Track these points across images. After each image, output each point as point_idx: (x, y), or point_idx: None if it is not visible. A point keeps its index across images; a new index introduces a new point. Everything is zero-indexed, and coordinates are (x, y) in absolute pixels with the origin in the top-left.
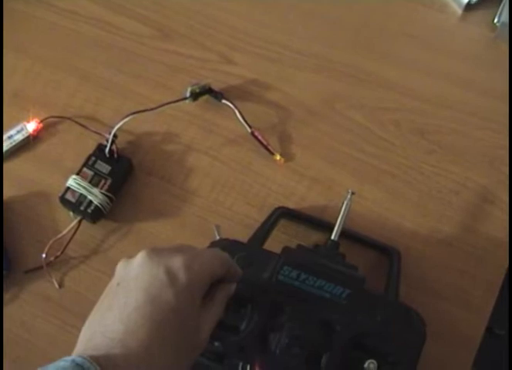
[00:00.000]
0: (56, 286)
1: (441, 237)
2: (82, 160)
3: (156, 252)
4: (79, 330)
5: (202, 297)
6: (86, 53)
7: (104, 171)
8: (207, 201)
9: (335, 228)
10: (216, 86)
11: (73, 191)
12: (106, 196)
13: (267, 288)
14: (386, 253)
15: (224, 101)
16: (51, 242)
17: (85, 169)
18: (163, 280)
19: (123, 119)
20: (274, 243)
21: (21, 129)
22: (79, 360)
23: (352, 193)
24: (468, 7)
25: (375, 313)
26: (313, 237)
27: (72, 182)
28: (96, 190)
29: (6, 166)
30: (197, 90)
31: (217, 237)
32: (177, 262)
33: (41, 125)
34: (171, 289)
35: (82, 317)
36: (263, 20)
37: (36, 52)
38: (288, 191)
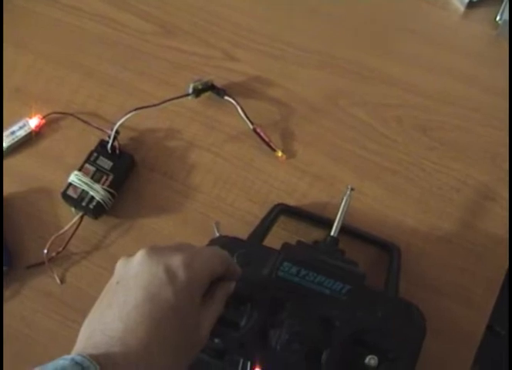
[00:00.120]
0: (58, 281)
1: (441, 234)
2: (84, 156)
3: (155, 250)
4: (81, 325)
5: (201, 295)
6: (90, 50)
7: (106, 167)
8: (209, 197)
9: (335, 224)
10: (218, 83)
11: (75, 187)
12: (108, 192)
13: (267, 284)
14: (386, 250)
15: (226, 97)
16: (53, 238)
17: (87, 165)
18: (163, 279)
19: (126, 115)
20: (275, 240)
21: (24, 125)
22: (78, 358)
23: (352, 189)
24: (470, 4)
25: (375, 309)
26: (314, 234)
27: (74, 178)
28: (97, 186)
29: (8, 161)
30: (200, 86)
31: (217, 234)
32: (177, 260)
33: (43, 121)
34: (171, 287)
35: (84, 313)
36: (266, 17)
37: (39, 47)
38: (290, 188)
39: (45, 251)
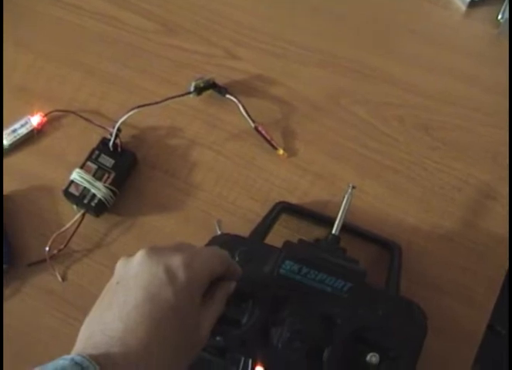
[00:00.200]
0: (59, 279)
1: (443, 233)
2: (85, 154)
3: (155, 251)
4: (82, 323)
5: (201, 295)
6: (91, 48)
7: (108, 165)
8: (210, 195)
9: (336, 222)
10: (220, 81)
11: (77, 184)
12: (110, 189)
13: (268, 282)
14: (387, 248)
15: (228, 96)
16: (54, 235)
17: (88, 163)
18: (163, 279)
19: (127, 112)
20: (276, 238)
21: (26, 123)
22: (78, 359)
23: (353, 187)
24: (472, 4)
25: (377, 307)
26: (315, 232)
27: (75, 175)
28: (99, 184)
29: (10, 159)
30: (201, 85)
31: (219, 232)
32: (177, 261)
33: (45, 119)
34: (170, 287)
35: (85, 311)
36: (268, 15)
37: (40, 46)
38: (292, 186)
39: (47, 249)
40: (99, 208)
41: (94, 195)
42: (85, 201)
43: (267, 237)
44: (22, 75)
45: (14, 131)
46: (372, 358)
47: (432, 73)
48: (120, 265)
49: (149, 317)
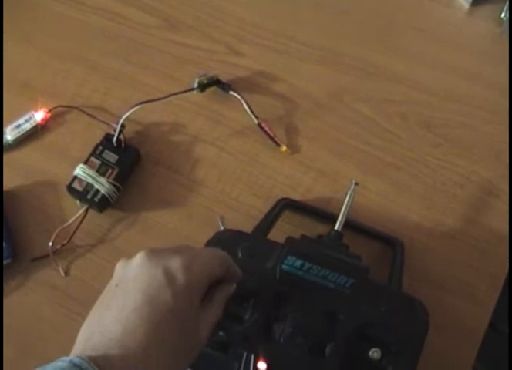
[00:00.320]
0: (62, 274)
1: (445, 230)
2: (89, 150)
3: (154, 253)
4: (85, 318)
5: (201, 297)
6: (94, 44)
7: (111, 160)
8: (213, 191)
9: (339, 218)
10: (223, 78)
11: (80, 180)
12: (113, 185)
13: (271, 278)
14: (390, 244)
15: (231, 92)
16: (57, 230)
17: (92, 159)
18: (162, 281)
19: (131, 108)
20: (279, 234)
21: (30, 119)
22: (76, 360)
23: (356, 184)
24: (475, 2)
25: (379, 303)
26: (318, 228)
27: (79, 171)
28: (103, 179)
29: (14, 155)
30: (205, 81)
31: (222, 228)
32: (176, 263)
33: (49, 114)
34: (169, 290)
35: (88, 306)
36: (271, 11)
37: (44, 42)
38: (294, 183)
39: (50, 244)
40: (102, 203)
41: (97, 190)
42: (89, 196)
43: (270, 234)
44: (26, 71)
45: (18, 126)
46: (374, 353)
47: (435, 71)
48: (119, 267)
49: (148, 320)
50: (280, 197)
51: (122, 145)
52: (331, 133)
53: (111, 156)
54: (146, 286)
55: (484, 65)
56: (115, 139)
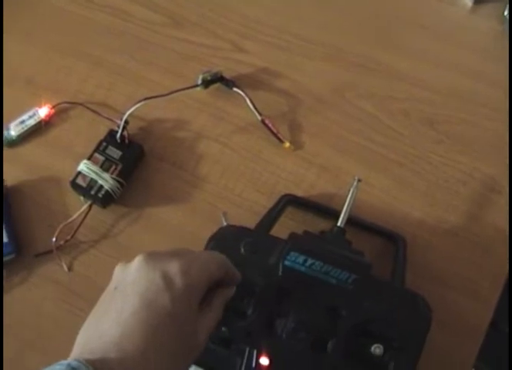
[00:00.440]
0: (66, 270)
1: (448, 227)
2: (93, 146)
3: (153, 256)
4: (88, 314)
5: (199, 301)
6: (99, 40)
7: (115, 156)
8: (217, 187)
9: (341, 214)
10: (227, 74)
11: (84, 176)
12: (117, 181)
13: (273, 274)
14: (392, 241)
15: (234, 89)
16: (61, 226)
17: (96, 155)
18: (160, 285)
19: (135, 104)
20: (282, 230)
21: (33, 115)
22: (74, 364)
23: (359, 180)
24: (478, 0)
25: (382, 298)
26: (320, 224)
27: (83, 166)
28: (106, 175)
29: (18, 150)
30: (209, 78)
31: (225, 224)
32: (174, 267)
33: (53, 110)
34: (168, 294)
35: (91, 302)
36: (274, 8)
37: (48, 38)
38: (298, 179)
39: (54, 239)
40: (106, 199)
41: (101, 186)
42: (93, 192)
43: (272, 229)
44: (30, 67)
45: (22, 122)
46: (376, 349)
47: (437, 68)
48: (118, 270)
49: (146, 324)
50: (283, 193)
51: (126, 141)
52: (334, 130)
53: (115, 152)
54: (144, 290)
55: (487, 63)
56: (119, 135)
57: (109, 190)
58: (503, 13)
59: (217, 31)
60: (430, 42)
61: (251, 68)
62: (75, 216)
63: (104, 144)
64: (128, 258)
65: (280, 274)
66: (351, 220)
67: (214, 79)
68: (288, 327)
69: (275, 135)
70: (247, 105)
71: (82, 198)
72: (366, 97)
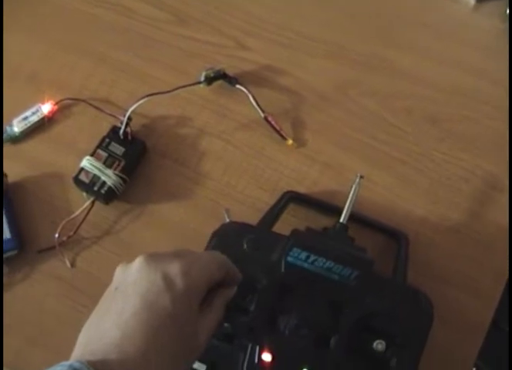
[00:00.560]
0: (68, 266)
1: (450, 224)
2: (96, 142)
3: (153, 257)
4: (90, 310)
5: (199, 302)
6: (103, 37)
7: (118, 153)
8: (219, 184)
9: (344, 211)
10: (230, 71)
11: (87, 172)
12: (120, 177)
13: (276, 270)
14: (394, 238)
15: (237, 86)
16: (64, 222)
17: (99, 151)
18: (161, 286)
19: (138, 100)
20: (284, 226)
21: (37, 111)
22: (76, 365)
23: (361, 177)
24: None
25: (384, 295)
26: (323, 221)
27: (86, 163)
28: (109, 171)
29: (21, 147)
30: (212, 75)
31: (227, 220)
32: (175, 268)
33: (56, 107)
34: (168, 295)
35: (94, 298)
36: (277, 6)
37: (52, 34)
38: (300, 176)
39: (56, 236)
40: (108, 195)
41: (104, 182)
42: (95, 188)
43: (275, 226)
44: (34, 64)
45: (25, 119)
46: (379, 345)
47: (440, 66)
48: (119, 271)
49: (147, 325)
50: (285, 190)
51: (129, 137)
52: (337, 127)
53: (118, 149)
54: (145, 291)
55: (489, 61)
56: (122, 131)
57: (112, 186)
58: (505, 11)
59: (221, 29)
60: (433, 39)
61: (254, 65)
62: (77, 212)
63: (107, 140)
64: (130, 255)
65: (282, 270)
66: (353, 217)
67: (217, 76)
68: (291, 323)
69: (278, 132)
70: (250, 102)
71: (84, 194)
72: (369, 95)
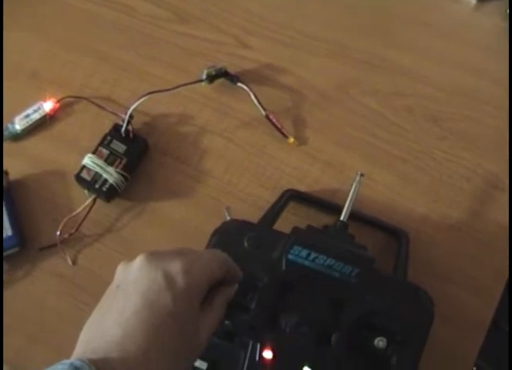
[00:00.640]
0: (70, 263)
1: (451, 223)
2: (97, 140)
3: (154, 256)
4: (92, 308)
5: (200, 300)
6: (104, 35)
7: (120, 150)
8: (220, 182)
9: (344, 209)
10: (231, 70)
11: (89, 169)
12: (121, 174)
13: (276, 268)
14: (395, 236)
15: (239, 84)
16: (65, 220)
17: (100, 148)
18: (162, 285)
19: (140, 98)
20: (285, 225)
21: (38, 109)
22: (77, 363)
23: (361, 175)
24: None
25: (385, 292)
26: (324, 220)
27: (87, 160)
28: (111, 169)
29: (23, 144)
30: (213, 73)
31: (228, 218)
32: (176, 266)
33: (57, 105)
34: (169, 293)
35: (95, 295)
36: (278, 4)
37: (54, 33)
38: (301, 174)
39: (58, 233)
40: (110, 193)
41: (106, 180)
42: (97, 186)
43: (276, 225)
44: (35, 62)
45: (27, 116)
46: (380, 342)
47: (441, 65)
48: (120, 270)
49: (148, 323)
50: (286, 188)
51: (131, 135)
52: (338, 125)
53: (119, 146)
54: (146, 289)
55: (490, 60)
56: (123, 129)
57: (114, 183)
58: (506, 11)
59: (222, 27)
60: (434, 39)
61: (255, 63)
62: (79, 209)
63: (109, 138)
64: (131, 252)
65: (283, 268)
66: (354, 215)
67: (219, 74)
68: (292, 321)
69: (279, 130)
70: (252, 100)
71: (86, 192)
72: (370, 93)
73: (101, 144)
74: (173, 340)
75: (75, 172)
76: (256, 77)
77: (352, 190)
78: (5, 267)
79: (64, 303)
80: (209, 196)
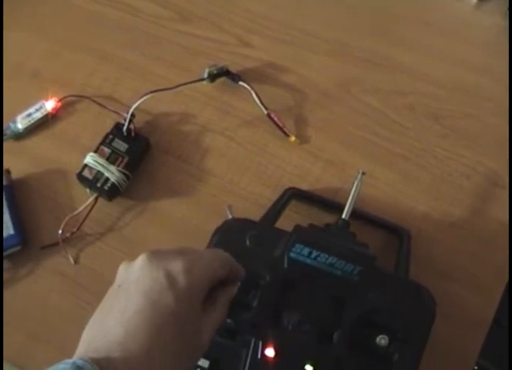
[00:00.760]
0: (72, 262)
1: (452, 221)
2: (99, 139)
3: (156, 255)
4: (94, 307)
5: (202, 300)
6: (106, 34)
7: (121, 149)
8: (222, 181)
9: (346, 207)
10: (233, 68)
11: (90, 168)
12: (123, 173)
13: (278, 266)
14: (396, 234)
15: (240, 83)
16: (67, 218)
17: (102, 147)
18: (163, 284)
19: (141, 97)
20: (287, 223)
21: (40, 108)
22: (79, 362)
23: (363, 173)
24: None
25: (386, 290)
26: (325, 218)
27: (89, 159)
28: (112, 168)
29: (25, 143)
30: (215, 72)
31: (230, 217)
32: (177, 266)
33: (59, 103)
34: (171, 293)
35: (97, 294)
36: (280, 3)
37: (56, 32)
38: (303, 172)
39: (60, 232)
40: (112, 192)
41: (107, 179)
42: (99, 185)
43: (277, 223)
44: (38, 61)
45: (29, 115)
46: (382, 340)
47: (442, 63)
48: (122, 269)
49: (150, 323)
50: (288, 187)
51: (132, 134)
52: (340, 124)
53: (121, 145)
54: (147, 288)
55: (491, 58)
56: (125, 128)
57: (115, 182)
58: (506, 9)
59: (224, 26)
60: (435, 37)
61: (257, 62)
62: (81, 208)
63: (110, 137)
64: (133, 251)
65: (285, 266)
66: (356, 213)
67: (220, 73)
68: (294, 318)
69: (281, 129)
70: (253, 99)
71: (88, 190)
72: (372, 92)
73: (103, 143)
74: (175, 339)
75: (77, 171)
76: (257, 76)
77: (354, 189)
78: (7, 265)
79: (66, 302)
80: (210, 194)
